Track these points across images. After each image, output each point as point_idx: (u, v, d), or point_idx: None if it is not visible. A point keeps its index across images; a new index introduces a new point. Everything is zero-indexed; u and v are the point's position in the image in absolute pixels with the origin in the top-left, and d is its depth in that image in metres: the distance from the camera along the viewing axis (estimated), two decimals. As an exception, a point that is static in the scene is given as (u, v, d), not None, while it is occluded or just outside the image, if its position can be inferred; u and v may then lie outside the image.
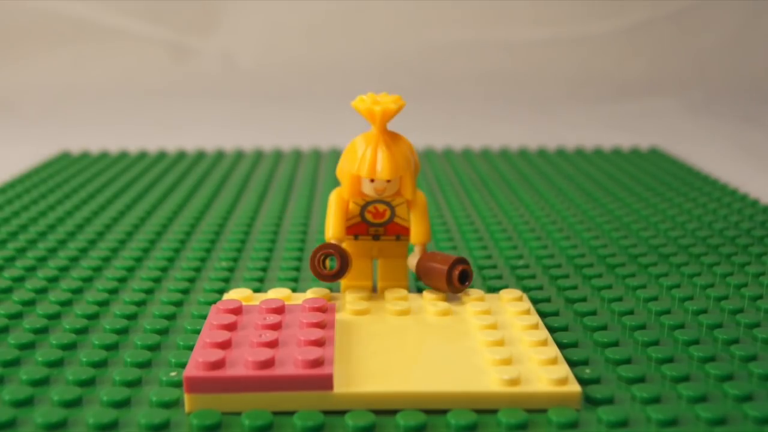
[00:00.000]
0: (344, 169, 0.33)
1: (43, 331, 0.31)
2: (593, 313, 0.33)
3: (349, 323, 0.31)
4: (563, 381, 0.26)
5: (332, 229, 0.33)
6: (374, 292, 0.34)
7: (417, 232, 0.33)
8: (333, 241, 0.33)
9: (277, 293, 0.33)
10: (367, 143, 0.32)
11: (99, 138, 0.75)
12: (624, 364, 0.29)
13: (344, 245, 0.33)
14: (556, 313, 0.34)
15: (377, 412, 0.25)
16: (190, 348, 0.30)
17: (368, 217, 0.34)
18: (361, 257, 0.34)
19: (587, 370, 0.28)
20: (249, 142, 0.72)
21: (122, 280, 0.37)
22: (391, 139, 0.32)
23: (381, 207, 0.33)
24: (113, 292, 0.36)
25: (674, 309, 0.34)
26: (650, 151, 0.69)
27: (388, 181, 0.32)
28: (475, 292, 0.33)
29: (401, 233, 0.34)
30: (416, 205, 0.33)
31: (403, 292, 0.33)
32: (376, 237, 0.34)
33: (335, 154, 0.66)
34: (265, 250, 0.42)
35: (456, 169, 0.62)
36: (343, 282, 0.35)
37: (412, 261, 0.34)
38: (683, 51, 1.08)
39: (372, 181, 0.32)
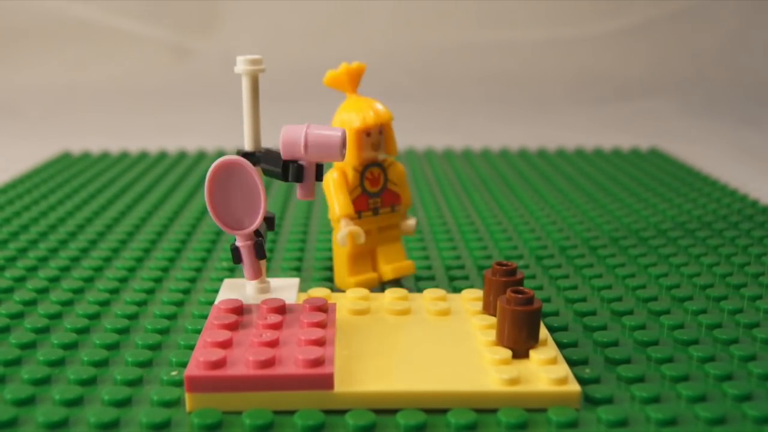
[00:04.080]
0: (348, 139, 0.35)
1: (44, 330, 0.31)
2: (593, 312, 0.34)
3: (350, 323, 0.31)
4: (563, 380, 0.26)
5: (340, 207, 0.35)
6: (380, 282, 0.36)
7: (405, 196, 0.37)
8: (345, 219, 0.35)
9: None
10: (350, 103, 0.35)
11: (100, 138, 0.75)
12: (623, 363, 0.29)
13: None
14: (555, 313, 0.34)
15: (377, 412, 0.26)
16: (191, 347, 0.30)
17: (367, 185, 0.36)
18: (363, 254, 0.36)
19: (587, 370, 0.28)
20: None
21: (123, 280, 0.37)
22: (371, 98, 0.36)
23: (376, 171, 0.36)
24: (114, 291, 0.36)
25: (674, 309, 0.34)
26: (650, 152, 0.69)
27: (380, 132, 0.35)
28: (474, 292, 0.33)
29: (395, 202, 0.36)
30: (400, 171, 0.37)
31: (403, 291, 0.33)
32: (375, 211, 0.36)
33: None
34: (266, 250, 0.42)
35: (456, 169, 0.62)
36: (352, 279, 0.36)
37: (404, 224, 0.37)
38: (683, 51, 1.08)
39: (368, 135, 0.35)
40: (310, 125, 0.31)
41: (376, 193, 0.36)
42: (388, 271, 0.36)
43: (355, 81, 0.36)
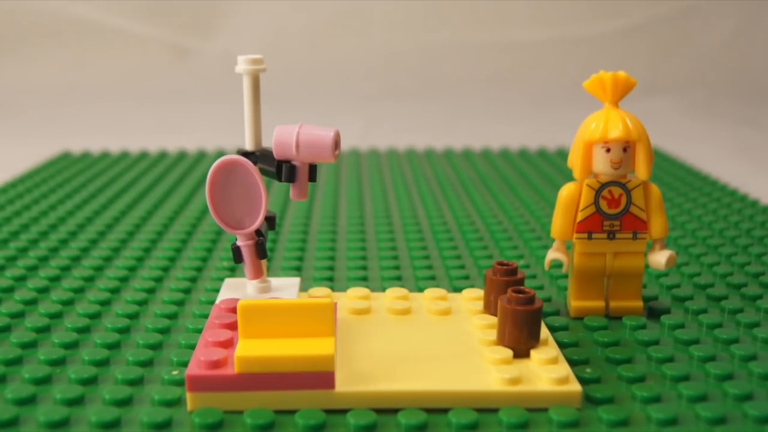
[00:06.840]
0: (577, 147, 0.32)
1: (45, 330, 0.31)
2: (593, 312, 0.34)
3: (351, 322, 0.31)
4: (564, 380, 0.26)
5: (554, 229, 0.33)
6: (606, 315, 0.33)
7: (655, 225, 0.32)
8: (557, 241, 0.33)
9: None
10: (599, 113, 0.32)
11: (100, 138, 0.75)
12: (624, 363, 0.29)
13: (576, 246, 0.33)
14: (556, 313, 0.34)
15: (379, 411, 0.26)
16: (192, 347, 0.30)
17: (603, 205, 0.32)
18: (593, 277, 0.33)
19: (588, 370, 0.28)
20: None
21: (124, 279, 0.37)
22: (625, 112, 0.32)
23: (616, 192, 0.32)
24: (115, 291, 0.36)
25: (674, 309, 0.34)
26: (650, 152, 0.69)
27: (625, 150, 0.32)
28: (474, 292, 0.33)
29: (638, 229, 0.32)
30: (652, 195, 0.32)
31: (404, 291, 0.33)
32: (611, 235, 0.32)
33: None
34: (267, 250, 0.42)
35: (456, 169, 0.62)
36: (574, 303, 0.33)
37: (653, 258, 0.33)
38: (683, 51, 1.08)
39: (608, 150, 0.31)
40: (302, 125, 0.31)
41: (613, 215, 0.32)
42: (612, 308, 0.33)
43: (617, 92, 0.33)
